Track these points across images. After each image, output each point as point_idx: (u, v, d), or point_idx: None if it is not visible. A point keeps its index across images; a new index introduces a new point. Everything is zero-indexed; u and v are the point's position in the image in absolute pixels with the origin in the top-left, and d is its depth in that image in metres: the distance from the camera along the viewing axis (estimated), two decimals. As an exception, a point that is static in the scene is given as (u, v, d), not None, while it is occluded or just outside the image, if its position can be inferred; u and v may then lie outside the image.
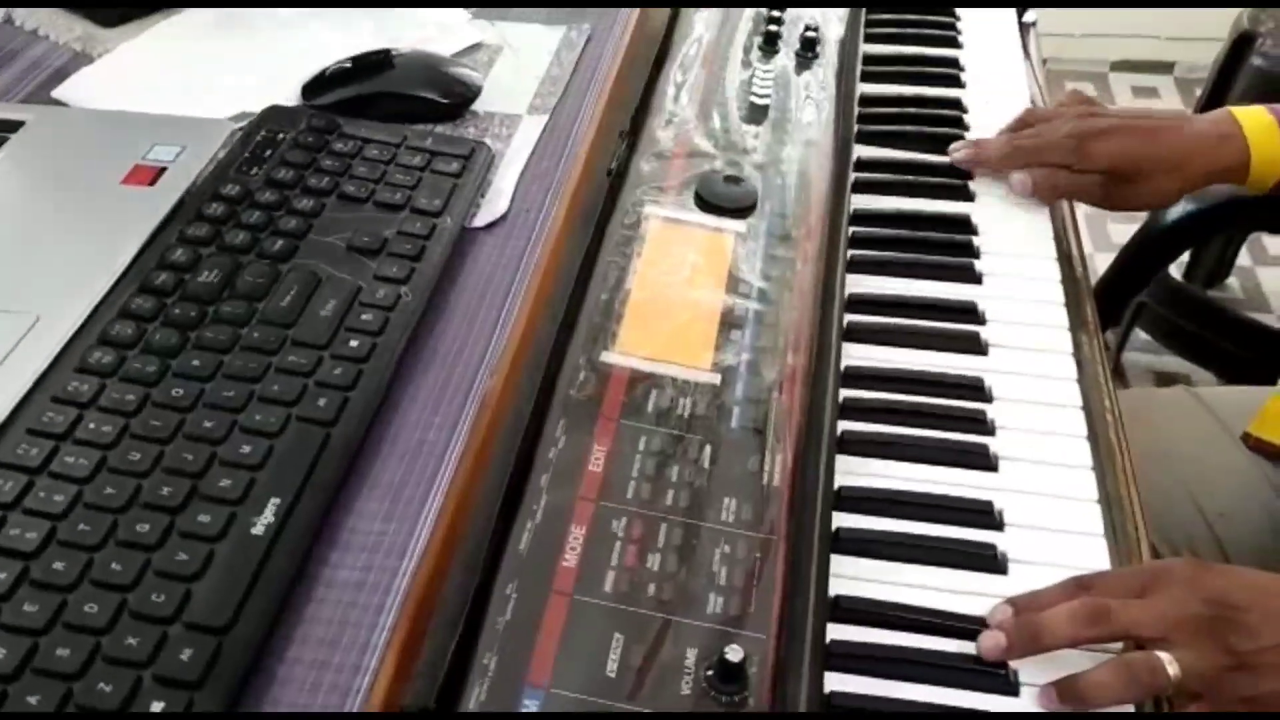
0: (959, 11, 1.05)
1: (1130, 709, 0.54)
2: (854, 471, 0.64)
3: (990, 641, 0.54)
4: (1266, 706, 0.54)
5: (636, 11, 0.89)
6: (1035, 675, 0.54)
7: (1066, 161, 0.81)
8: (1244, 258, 1.99)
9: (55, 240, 0.65)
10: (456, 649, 0.47)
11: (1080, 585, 0.56)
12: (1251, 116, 0.81)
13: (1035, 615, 0.55)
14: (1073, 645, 0.54)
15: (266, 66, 0.82)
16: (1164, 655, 0.53)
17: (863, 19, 0.99)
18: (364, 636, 0.48)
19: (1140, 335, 1.77)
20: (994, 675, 0.54)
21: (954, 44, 1.01)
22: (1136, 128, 0.81)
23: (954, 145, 0.86)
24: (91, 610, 0.46)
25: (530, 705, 0.45)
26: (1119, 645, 0.55)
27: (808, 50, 0.87)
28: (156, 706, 0.44)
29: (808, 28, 0.88)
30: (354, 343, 0.59)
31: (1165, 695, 0.54)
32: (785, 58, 0.86)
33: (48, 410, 0.54)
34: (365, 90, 0.78)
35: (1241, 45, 1.51)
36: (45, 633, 0.45)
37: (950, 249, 0.79)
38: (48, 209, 0.68)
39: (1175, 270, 1.76)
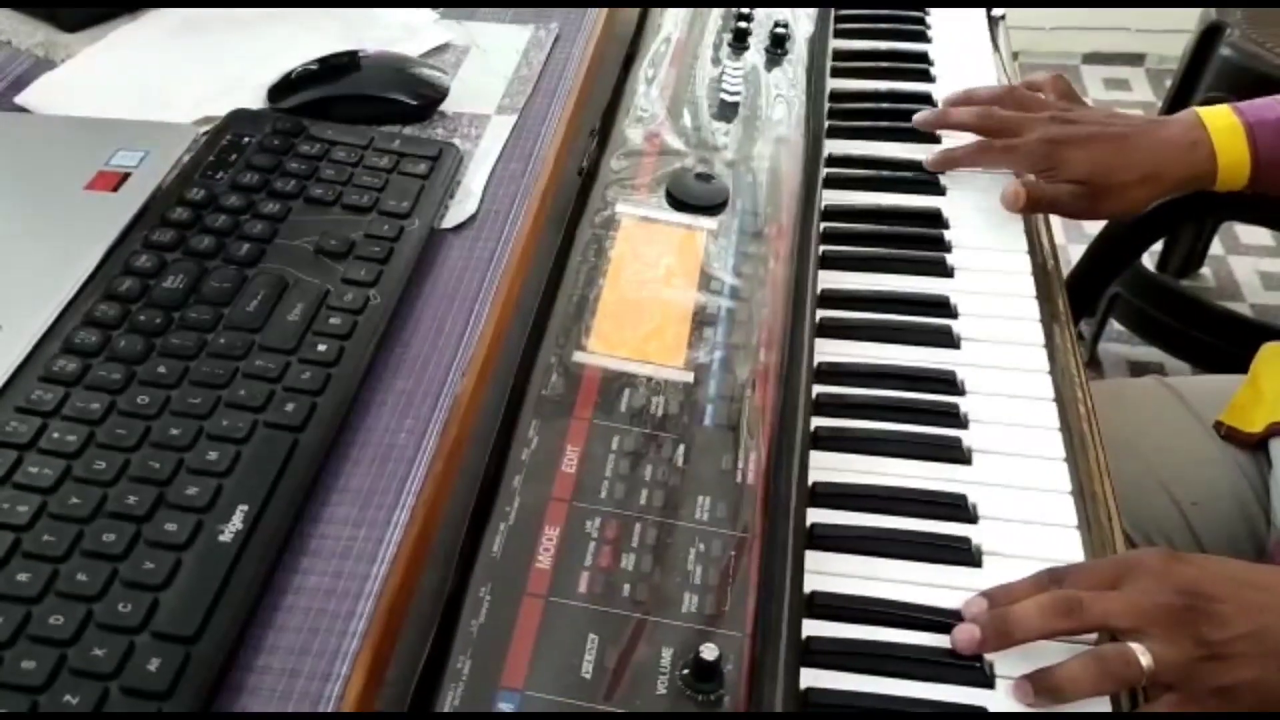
0: (928, 7, 1.05)
1: (1105, 701, 0.54)
2: (828, 467, 0.64)
3: (964, 635, 0.55)
4: (1239, 696, 0.54)
5: (605, 10, 0.89)
6: (1011, 668, 0.54)
7: (1039, 167, 0.80)
8: (1216, 247, 2.00)
9: (17, 248, 0.64)
10: (430, 653, 0.47)
11: (1053, 577, 0.56)
12: (1217, 119, 0.81)
13: (1007, 608, 0.55)
14: (1045, 637, 0.54)
15: (231, 70, 0.81)
16: (1136, 646, 0.53)
17: (832, 15, 0.99)
18: (335, 643, 0.48)
19: (1116, 326, 1.78)
20: (969, 668, 0.54)
21: (923, 39, 1.01)
22: (1109, 135, 0.80)
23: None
24: (57, 622, 0.45)
25: (505, 708, 0.45)
26: (1095, 636, 0.56)
27: (777, 47, 0.87)
28: (124, 718, 0.43)
29: (777, 24, 0.88)
30: (322, 347, 0.58)
31: (1139, 686, 0.54)
32: (755, 55, 0.86)
33: (11, 419, 0.53)
34: (332, 92, 0.77)
35: (1210, 36, 1.52)
36: (10, 645, 0.45)
37: (922, 243, 0.79)
38: (9, 216, 0.67)
39: (1148, 260, 1.77)
